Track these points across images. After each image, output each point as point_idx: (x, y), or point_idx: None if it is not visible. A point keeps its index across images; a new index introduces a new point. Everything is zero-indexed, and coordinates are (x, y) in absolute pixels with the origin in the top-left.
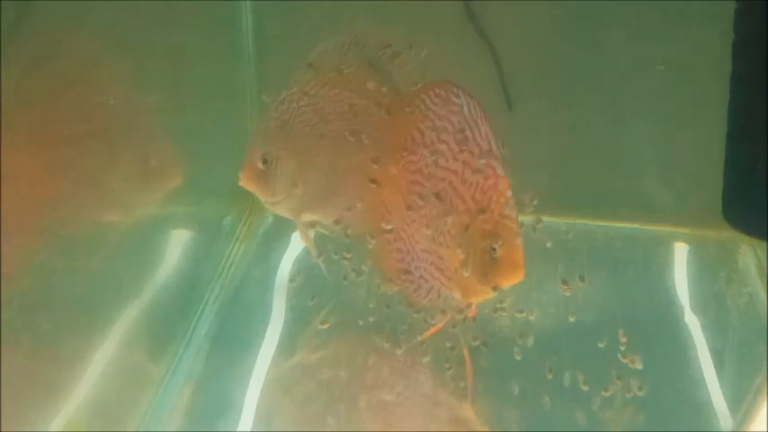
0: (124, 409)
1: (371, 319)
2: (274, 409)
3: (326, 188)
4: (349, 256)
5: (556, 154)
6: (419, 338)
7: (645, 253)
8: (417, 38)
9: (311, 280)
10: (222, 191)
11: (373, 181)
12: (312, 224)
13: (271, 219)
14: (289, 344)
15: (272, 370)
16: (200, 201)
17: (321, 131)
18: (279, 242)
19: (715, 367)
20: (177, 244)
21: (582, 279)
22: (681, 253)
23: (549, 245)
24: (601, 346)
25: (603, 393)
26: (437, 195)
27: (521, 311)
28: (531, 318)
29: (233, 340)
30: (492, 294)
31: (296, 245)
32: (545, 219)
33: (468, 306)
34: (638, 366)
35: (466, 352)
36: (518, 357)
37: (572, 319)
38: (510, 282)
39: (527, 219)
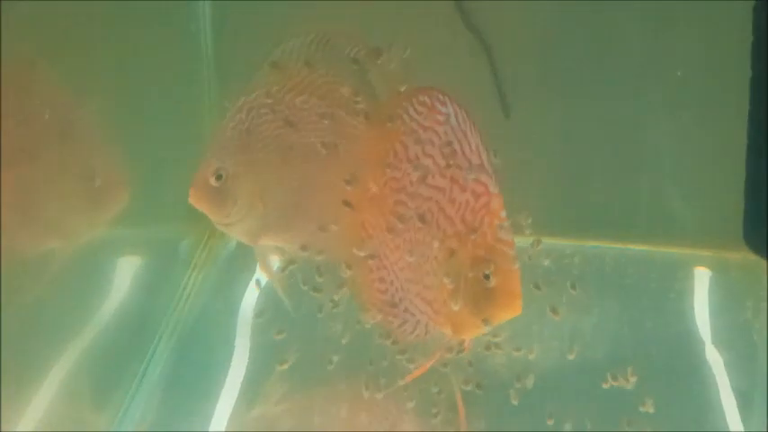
0: None
1: (348, 360)
2: None
3: (291, 209)
4: (320, 286)
5: (559, 167)
6: (402, 382)
7: (661, 279)
8: (400, 36)
9: (280, 314)
10: (178, 210)
11: (347, 204)
12: (272, 250)
13: (234, 243)
14: (252, 390)
15: (233, 422)
16: (152, 222)
17: (285, 143)
18: (243, 270)
19: (740, 410)
20: (125, 272)
21: (573, 287)
22: (702, 279)
23: (551, 270)
24: (609, 386)
25: None
26: (422, 218)
27: (518, 349)
28: (531, 356)
29: (189, 386)
30: (486, 329)
31: (262, 273)
32: (547, 240)
33: (461, 343)
34: (650, 410)
35: (459, 396)
36: (515, 402)
37: (577, 357)
38: (505, 315)
39: (526, 241)
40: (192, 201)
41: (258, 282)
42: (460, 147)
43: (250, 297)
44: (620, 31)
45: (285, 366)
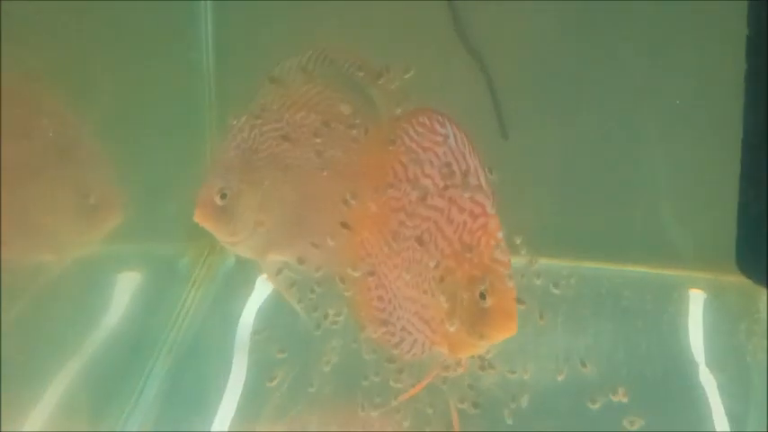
0: None
1: (344, 378)
2: None
3: (296, 225)
4: (316, 303)
5: (556, 188)
6: (397, 401)
7: (656, 301)
8: (401, 57)
9: (278, 331)
10: (177, 228)
11: (344, 225)
12: (279, 266)
13: (233, 260)
14: (250, 407)
15: None
16: (151, 239)
17: (288, 161)
18: (241, 287)
19: None
20: (124, 289)
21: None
22: (696, 301)
23: (547, 291)
24: (601, 406)
25: None
26: (419, 239)
27: (513, 371)
28: (526, 376)
29: (186, 402)
30: (482, 349)
31: (261, 290)
32: (544, 261)
33: (457, 362)
34: (635, 428)
35: (455, 416)
36: (509, 421)
37: (572, 377)
38: (501, 335)
39: (521, 262)
40: (197, 219)
41: None
42: (459, 167)
43: (248, 314)
44: (616, 56)
45: (274, 383)
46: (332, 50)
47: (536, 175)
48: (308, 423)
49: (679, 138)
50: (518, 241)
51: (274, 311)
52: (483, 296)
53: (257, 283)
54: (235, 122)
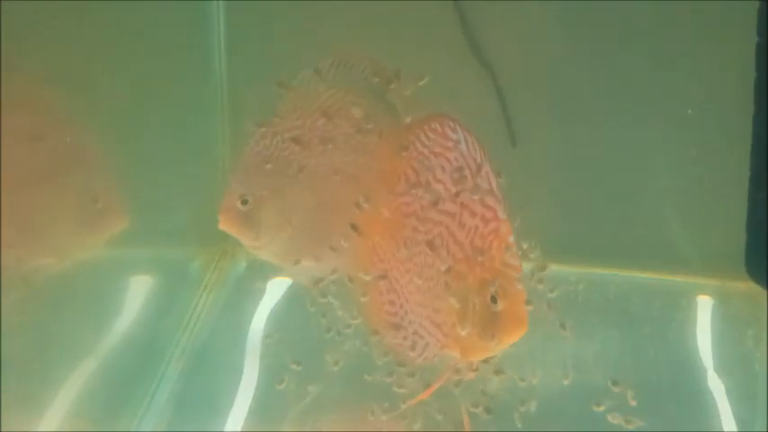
0: None
1: (356, 381)
2: None
3: (318, 230)
4: (327, 308)
5: (565, 195)
6: (406, 405)
7: (664, 307)
8: (411, 65)
9: (289, 335)
10: (189, 232)
11: (354, 227)
12: (305, 270)
13: (244, 265)
14: (262, 410)
15: None
16: (163, 243)
17: (308, 167)
18: (253, 292)
19: None
20: (136, 293)
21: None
22: (704, 307)
23: (556, 297)
24: (611, 412)
25: None
26: (430, 244)
27: (522, 379)
28: (535, 381)
29: (198, 406)
30: (494, 352)
31: (272, 294)
32: (553, 267)
33: (469, 365)
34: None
35: (466, 420)
36: (519, 424)
37: (580, 382)
38: (512, 337)
39: (530, 267)
40: (221, 226)
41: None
42: (470, 173)
43: (259, 318)
44: (625, 65)
45: (283, 386)
46: (351, 57)
47: (544, 182)
48: (319, 426)
49: (687, 144)
50: (525, 246)
51: (285, 315)
52: (494, 299)
53: (268, 287)
54: (256, 129)
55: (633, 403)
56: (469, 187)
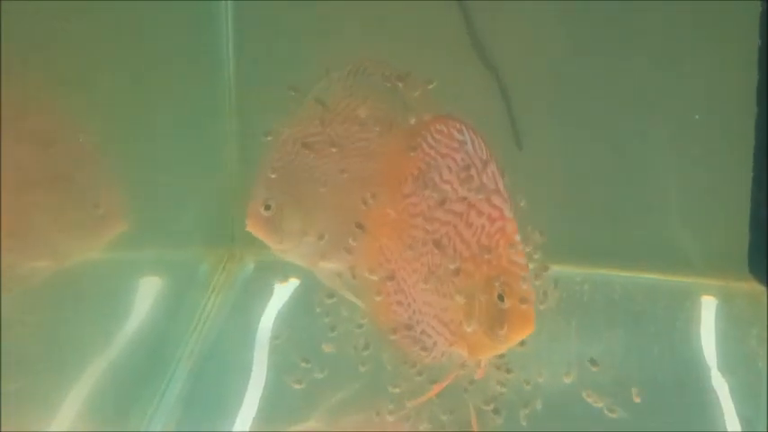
0: None
1: (366, 382)
2: None
3: (341, 233)
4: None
5: (570, 196)
6: (413, 403)
7: (668, 307)
8: (417, 68)
9: (297, 335)
10: (196, 235)
11: (359, 226)
12: (333, 273)
13: (252, 266)
14: (270, 411)
15: None
16: (171, 246)
17: (329, 173)
18: (260, 293)
19: None
20: (146, 294)
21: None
22: (708, 307)
23: (561, 297)
24: (616, 413)
25: None
26: (437, 243)
27: (528, 382)
28: (540, 380)
29: (207, 407)
30: (501, 350)
31: (280, 296)
32: (557, 268)
33: (477, 364)
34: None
35: (474, 420)
36: (524, 423)
37: (585, 382)
38: (520, 335)
39: (534, 267)
40: (249, 229)
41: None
42: (477, 173)
43: (267, 319)
44: (629, 67)
45: (301, 386)
46: (370, 64)
47: (550, 183)
48: (327, 426)
49: (690, 146)
50: (529, 249)
51: (293, 316)
52: (501, 298)
53: (276, 288)
54: (271, 138)
55: (637, 400)
56: (476, 187)
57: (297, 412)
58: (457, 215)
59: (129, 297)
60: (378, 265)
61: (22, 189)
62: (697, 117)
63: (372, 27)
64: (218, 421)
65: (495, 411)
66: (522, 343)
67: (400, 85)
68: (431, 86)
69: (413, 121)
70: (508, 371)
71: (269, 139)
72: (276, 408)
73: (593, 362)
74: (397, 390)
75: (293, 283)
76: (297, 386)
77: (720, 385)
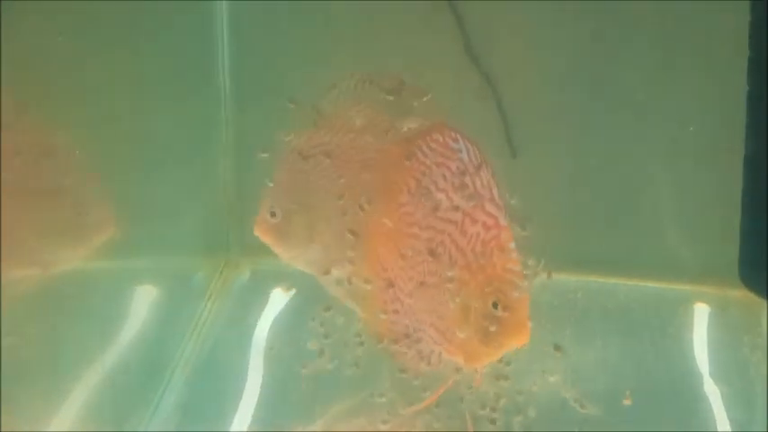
0: None
1: (361, 391)
2: None
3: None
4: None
5: (564, 205)
6: (407, 410)
7: (662, 315)
8: (411, 77)
9: (292, 343)
10: (193, 243)
11: (353, 233)
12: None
13: (248, 274)
14: (265, 416)
15: None
16: (168, 253)
17: (336, 182)
18: (257, 301)
19: None
20: (142, 302)
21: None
22: (701, 315)
23: (555, 305)
24: (609, 417)
25: None
26: (432, 251)
27: (520, 390)
28: (534, 388)
29: (202, 415)
30: (497, 357)
31: (276, 304)
32: (552, 276)
33: (473, 371)
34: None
35: (470, 425)
36: (517, 428)
37: (579, 389)
38: (515, 343)
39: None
40: (256, 234)
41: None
42: (472, 182)
43: (263, 327)
44: (623, 78)
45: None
46: (375, 74)
47: (543, 191)
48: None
49: (684, 154)
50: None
51: (289, 324)
52: (496, 305)
53: (272, 296)
54: (267, 155)
55: (628, 402)
56: (471, 195)
57: (292, 420)
58: (452, 223)
59: (126, 305)
60: (374, 273)
61: (13, 197)
62: (691, 129)
63: (367, 37)
64: (214, 429)
65: (492, 421)
66: (516, 351)
67: (402, 94)
68: (425, 99)
69: (408, 129)
70: (504, 379)
71: (265, 155)
72: (271, 415)
73: (557, 347)
74: (394, 398)
75: (290, 291)
76: (292, 394)
77: (713, 392)
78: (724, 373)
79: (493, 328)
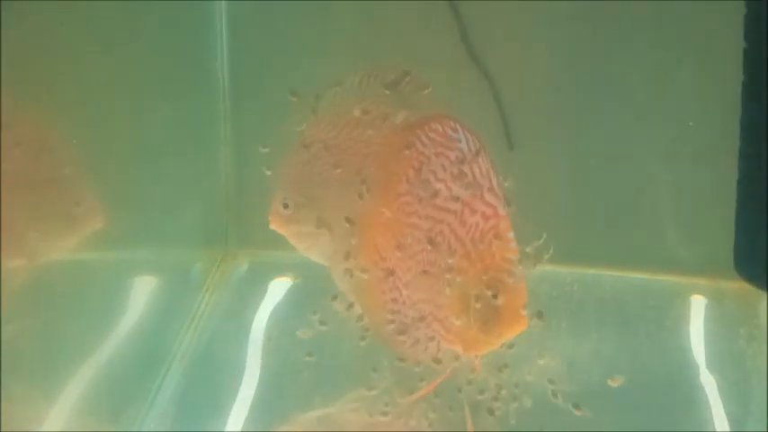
0: None
1: (360, 381)
2: None
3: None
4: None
5: (560, 197)
6: (406, 399)
7: (658, 307)
8: (410, 69)
9: (290, 334)
10: (191, 234)
11: (349, 220)
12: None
13: (246, 266)
14: (263, 408)
15: None
16: (166, 245)
17: (344, 175)
18: (255, 293)
19: None
20: (139, 294)
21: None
22: (697, 307)
23: (552, 297)
24: (603, 409)
25: None
26: (431, 241)
27: (516, 384)
28: (529, 378)
29: (200, 407)
30: (496, 346)
31: (274, 296)
32: (548, 268)
33: (472, 360)
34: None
35: (469, 421)
36: (512, 421)
37: (575, 381)
38: (513, 331)
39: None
40: (271, 226)
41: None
42: (471, 171)
43: (261, 319)
44: (620, 69)
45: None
46: (382, 69)
47: (540, 184)
48: (321, 425)
49: (680, 146)
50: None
51: (287, 316)
52: (494, 295)
53: (270, 288)
54: (268, 149)
55: (615, 384)
56: (470, 185)
57: (290, 412)
58: (451, 213)
59: (123, 296)
60: (373, 263)
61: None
62: (691, 124)
63: (366, 32)
64: (212, 420)
65: (489, 411)
66: (511, 345)
67: (404, 86)
68: (426, 92)
69: (406, 118)
70: (501, 369)
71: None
72: (269, 407)
73: (539, 315)
74: (392, 388)
75: (287, 282)
76: (290, 385)
77: (709, 384)
78: (720, 365)
79: (491, 317)
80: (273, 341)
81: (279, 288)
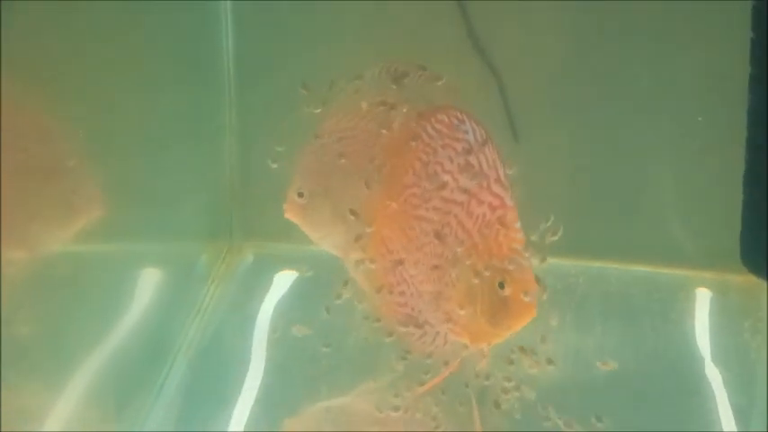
0: None
1: (366, 374)
2: None
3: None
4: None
5: (565, 189)
6: (414, 392)
7: (663, 300)
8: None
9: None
10: (196, 227)
11: (353, 212)
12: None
13: (251, 258)
14: (268, 400)
15: (249, 428)
16: (171, 237)
17: (358, 167)
18: (260, 285)
19: (737, 426)
20: (145, 286)
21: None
22: (702, 300)
23: (557, 290)
24: (610, 403)
25: None
26: (438, 234)
27: (520, 377)
28: (534, 371)
29: (205, 399)
30: (503, 338)
31: (279, 288)
32: (553, 261)
33: (480, 352)
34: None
35: (476, 412)
36: (517, 416)
37: (581, 373)
38: (521, 322)
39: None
40: (286, 215)
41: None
42: (478, 162)
43: (266, 311)
44: (625, 63)
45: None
46: (400, 63)
47: (545, 176)
48: (326, 418)
49: (686, 139)
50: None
51: (292, 309)
52: (502, 285)
53: (275, 280)
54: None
55: (605, 368)
56: (477, 176)
57: (295, 404)
58: (458, 205)
59: (129, 289)
60: (379, 255)
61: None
62: (700, 119)
63: (372, 25)
64: (217, 412)
65: (497, 405)
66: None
67: (417, 79)
68: (440, 83)
69: (411, 110)
70: (513, 362)
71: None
72: (275, 399)
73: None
74: (399, 380)
75: (292, 274)
76: (296, 377)
77: (714, 376)
78: (724, 358)
79: (499, 309)
80: (279, 333)
81: (284, 280)
